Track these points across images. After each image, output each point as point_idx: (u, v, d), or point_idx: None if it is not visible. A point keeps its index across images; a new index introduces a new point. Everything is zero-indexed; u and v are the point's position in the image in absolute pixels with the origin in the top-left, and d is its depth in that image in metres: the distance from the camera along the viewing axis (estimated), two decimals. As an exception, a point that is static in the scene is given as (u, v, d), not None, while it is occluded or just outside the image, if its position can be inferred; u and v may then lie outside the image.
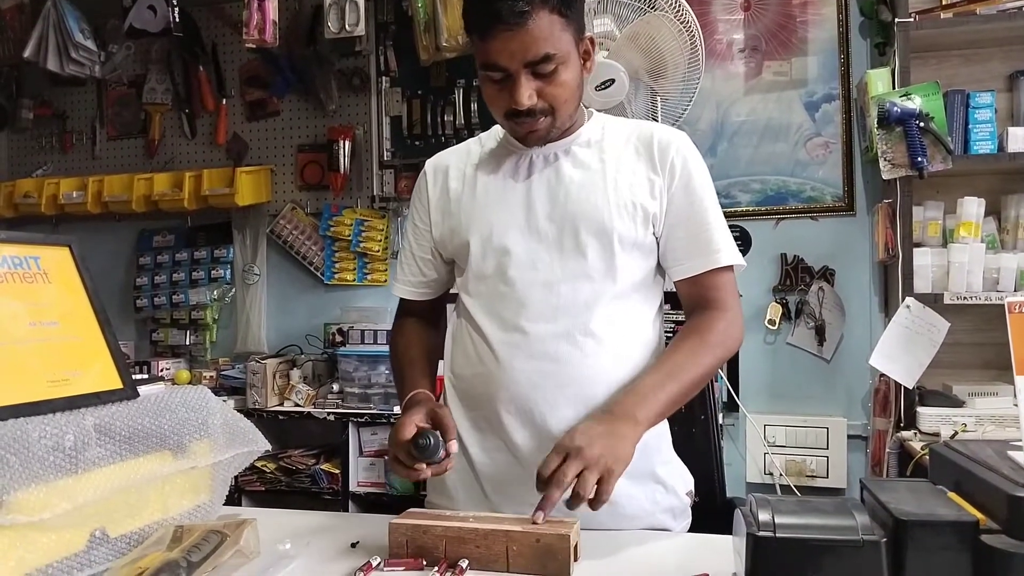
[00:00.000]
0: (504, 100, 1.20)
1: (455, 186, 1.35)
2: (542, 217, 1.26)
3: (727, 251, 1.26)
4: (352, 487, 2.85)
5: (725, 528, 0.99)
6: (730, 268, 1.28)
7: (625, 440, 1.10)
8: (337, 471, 2.87)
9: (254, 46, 2.83)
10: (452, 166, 1.37)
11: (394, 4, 3.16)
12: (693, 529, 1.33)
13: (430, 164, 1.41)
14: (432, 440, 1.12)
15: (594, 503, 1.04)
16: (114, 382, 1.09)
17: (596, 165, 1.27)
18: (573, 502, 1.03)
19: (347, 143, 3.18)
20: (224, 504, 1.23)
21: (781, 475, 2.72)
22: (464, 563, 1.01)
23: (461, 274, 1.35)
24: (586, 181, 1.26)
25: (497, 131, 1.37)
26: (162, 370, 3.18)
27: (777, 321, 2.80)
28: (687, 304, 1.31)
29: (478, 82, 3.34)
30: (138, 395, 1.10)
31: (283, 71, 3.27)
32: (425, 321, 1.46)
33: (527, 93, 1.17)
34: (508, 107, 1.20)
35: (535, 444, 1.24)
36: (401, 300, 1.47)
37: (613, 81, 2.30)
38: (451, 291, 1.46)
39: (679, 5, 2.35)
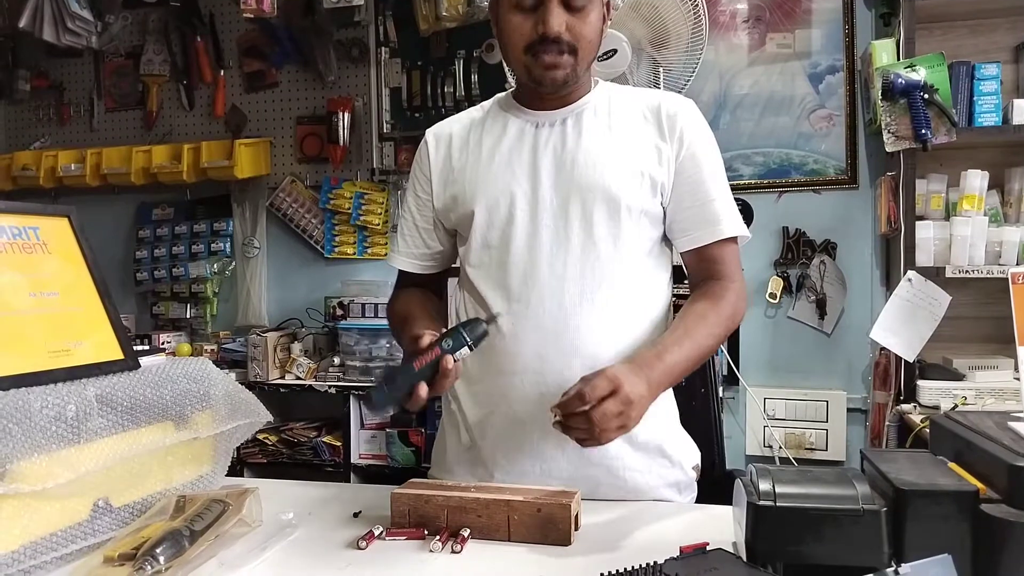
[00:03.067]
0: (528, 29, 1.18)
1: (458, 154, 1.32)
2: (547, 186, 1.24)
3: (731, 223, 1.25)
4: (354, 459, 2.87)
5: (725, 500, 1.00)
6: (734, 240, 1.27)
7: (644, 410, 1.10)
8: (339, 443, 2.89)
9: (252, 16, 2.80)
10: (455, 134, 1.34)
11: (393, -27, 3.12)
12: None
13: (431, 132, 1.38)
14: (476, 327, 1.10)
15: (588, 443, 1.05)
16: (115, 353, 1.09)
17: (603, 133, 1.25)
18: (585, 439, 1.04)
19: (346, 115, 3.16)
20: (226, 476, 1.24)
21: (780, 448, 2.73)
22: (466, 532, 1.02)
23: (464, 244, 1.32)
24: (593, 149, 1.24)
25: (500, 99, 1.35)
26: (163, 343, 3.19)
27: (778, 295, 2.80)
28: (692, 275, 1.30)
29: (479, 51, 3.25)
30: (139, 366, 1.11)
31: (281, 42, 3.23)
32: (426, 290, 1.43)
33: (559, 20, 1.16)
34: (533, 36, 1.18)
35: (541, 417, 1.23)
36: (401, 274, 1.43)
37: (615, 51, 2.27)
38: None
39: (682, -26, 2.31)
